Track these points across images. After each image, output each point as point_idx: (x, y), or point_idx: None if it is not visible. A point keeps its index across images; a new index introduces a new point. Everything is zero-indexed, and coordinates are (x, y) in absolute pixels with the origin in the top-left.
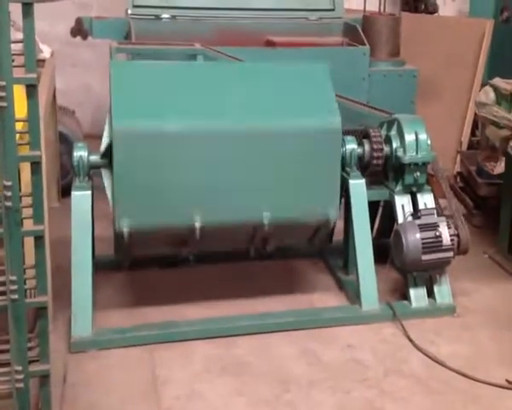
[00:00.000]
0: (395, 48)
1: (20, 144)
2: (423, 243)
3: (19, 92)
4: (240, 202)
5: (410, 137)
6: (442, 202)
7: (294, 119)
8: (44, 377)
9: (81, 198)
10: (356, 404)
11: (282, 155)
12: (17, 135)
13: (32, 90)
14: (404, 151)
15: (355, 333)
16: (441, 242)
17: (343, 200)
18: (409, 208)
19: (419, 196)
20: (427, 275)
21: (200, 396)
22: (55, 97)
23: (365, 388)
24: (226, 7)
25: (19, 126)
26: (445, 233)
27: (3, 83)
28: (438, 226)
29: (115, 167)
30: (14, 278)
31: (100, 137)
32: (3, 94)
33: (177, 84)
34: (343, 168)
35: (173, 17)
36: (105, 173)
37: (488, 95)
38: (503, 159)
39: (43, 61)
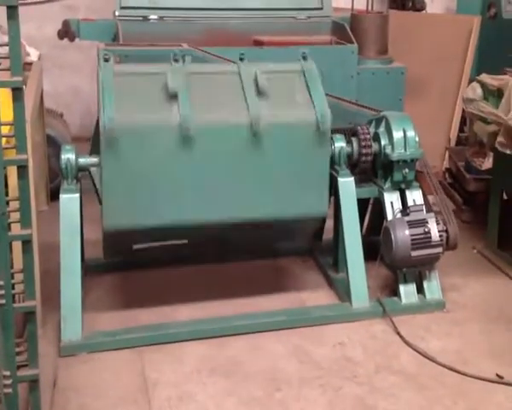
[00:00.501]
0: (383, 46)
1: (7, 148)
2: (412, 240)
3: (5, 95)
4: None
5: (398, 135)
6: (430, 198)
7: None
8: (33, 382)
9: (69, 201)
10: (347, 401)
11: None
12: (3, 139)
13: (17, 93)
14: (393, 148)
15: (345, 331)
16: (430, 238)
17: (332, 198)
18: (398, 205)
19: (408, 192)
20: (417, 271)
21: (192, 397)
22: (43, 100)
23: (356, 385)
24: (214, 7)
25: (5, 130)
26: (434, 229)
27: None
28: (427, 223)
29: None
30: (1, 283)
31: (88, 140)
32: None
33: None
34: (332, 166)
35: (161, 18)
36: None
37: (475, 91)
38: (491, 154)
39: (31, 64)
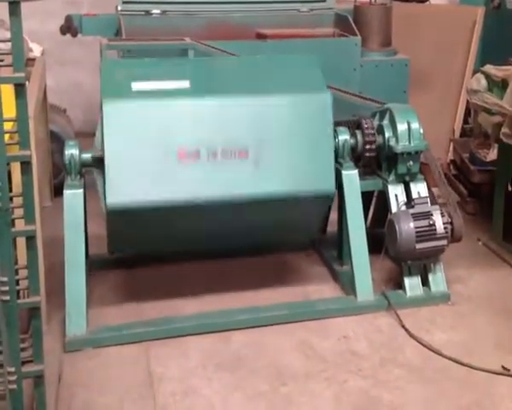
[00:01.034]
0: (387, 37)
1: (10, 144)
2: (417, 232)
3: (8, 91)
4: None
5: (402, 127)
6: (435, 190)
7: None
8: (38, 378)
9: (73, 197)
10: (352, 394)
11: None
12: (6, 135)
13: (20, 89)
14: (397, 141)
15: (350, 324)
16: (435, 230)
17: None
18: (402, 198)
19: (412, 185)
20: (422, 264)
21: (197, 392)
22: (46, 96)
23: (361, 378)
24: (216, 1)
25: (8, 126)
26: (439, 221)
27: None
28: (431, 215)
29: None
30: (5, 279)
31: (92, 135)
32: None
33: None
34: (336, 159)
35: (163, 12)
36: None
37: (480, 82)
38: (496, 145)
39: (34, 59)
